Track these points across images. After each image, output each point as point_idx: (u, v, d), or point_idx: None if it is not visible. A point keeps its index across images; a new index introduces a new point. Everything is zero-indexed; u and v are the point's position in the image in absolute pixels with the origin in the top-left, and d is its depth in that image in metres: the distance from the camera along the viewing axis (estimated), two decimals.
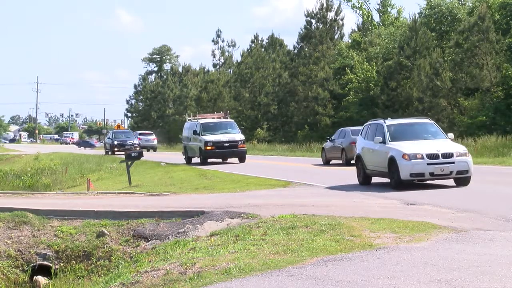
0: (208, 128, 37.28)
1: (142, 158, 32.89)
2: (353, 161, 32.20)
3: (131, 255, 14.47)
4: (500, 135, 37.44)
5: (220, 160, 37.44)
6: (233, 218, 14.18)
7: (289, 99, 66.63)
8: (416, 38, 51.23)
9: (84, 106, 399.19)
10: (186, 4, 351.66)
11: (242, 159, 36.71)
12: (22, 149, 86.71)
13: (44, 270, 15.59)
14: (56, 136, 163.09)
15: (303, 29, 68.75)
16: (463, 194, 17.41)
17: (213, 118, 41.04)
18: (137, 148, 54.18)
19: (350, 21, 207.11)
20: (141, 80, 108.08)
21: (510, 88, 45.30)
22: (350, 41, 68.42)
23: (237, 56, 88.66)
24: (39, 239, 16.05)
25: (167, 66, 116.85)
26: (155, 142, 65.76)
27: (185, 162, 38.78)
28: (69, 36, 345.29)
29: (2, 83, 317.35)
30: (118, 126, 78.48)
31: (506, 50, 46.26)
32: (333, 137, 34.39)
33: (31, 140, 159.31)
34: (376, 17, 72.30)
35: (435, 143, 19.42)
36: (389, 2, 71.05)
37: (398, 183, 18.81)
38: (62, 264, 15.46)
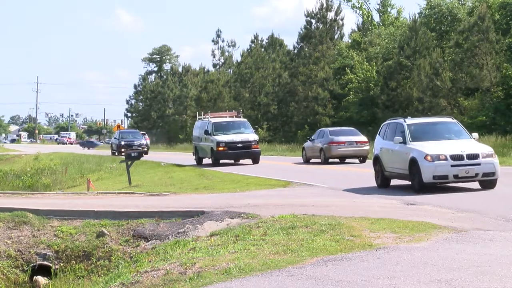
0: (220, 128, 35.64)
1: (142, 158, 32.90)
2: (331, 160, 34.28)
3: (131, 255, 14.47)
4: (500, 135, 37.48)
5: (232, 161, 35.72)
6: (233, 218, 14.17)
7: (289, 99, 66.64)
8: (416, 38, 51.25)
9: (84, 106, 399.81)
10: (186, 4, 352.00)
11: (256, 160, 35.05)
12: (22, 149, 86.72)
13: (44, 270, 15.59)
14: (56, 136, 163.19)
15: (303, 29, 68.78)
16: (463, 194, 17.41)
17: (225, 117, 38.96)
18: (145, 149, 52.94)
19: (350, 21, 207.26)
20: (141, 80, 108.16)
21: (510, 88, 45.33)
22: (350, 41, 68.45)
23: (237, 56, 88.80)
24: (39, 239, 16.05)
25: (167, 66, 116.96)
26: (148, 142, 64.98)
27: (195, 163, 37.25)
28: (69, 36, 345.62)
29: (2, 83, 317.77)
30: (118, 126, 78.36)
31: (506, 50, 46.28)
32: (313, 137, 36.21)
33: (31, 140, 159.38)
34: (376, 17, 72.41)
35: (459, 143, 18.42)
36: (389, 2, 71.06)
37: (420, 186, 17.80)
38: (62, 264, 15.45)
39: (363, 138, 34.39)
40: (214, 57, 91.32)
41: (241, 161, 36.05)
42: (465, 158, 17.60)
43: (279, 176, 25.61)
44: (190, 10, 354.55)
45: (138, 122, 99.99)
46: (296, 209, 14.42)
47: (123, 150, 50.12)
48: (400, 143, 18.96)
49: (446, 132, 19.43)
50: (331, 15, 68.80)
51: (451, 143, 18.46)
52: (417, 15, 54.92)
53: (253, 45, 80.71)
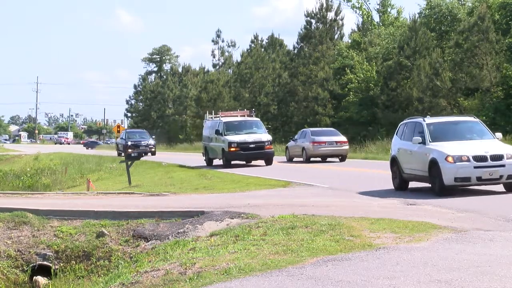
0: (232, 128, 34.29)
1: (142, 158, 32.89)
2: (313, 159, 35.46)
3: (131, 255, 14.46)
4: None
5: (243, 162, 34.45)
6: (233, 218, 14.17)
7: (289, 99, 66.64)
8: (416, 38, 51.24)
9: (84, 106, 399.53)
10: (186, 4, 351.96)
11: (269, 161, 33.76)
12: (22, 149, 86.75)
13: (44, 270, 15.58)
14: (56, 137, 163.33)
15: (303, 29, 68.79)
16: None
17: (236, 116, 37.41)
18: (153, 149, 51.85)
19: (350, 21, 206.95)
20: (141, 80, 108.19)
21: (510, 88, 45.32)
22: (350, 41, 68.41)
23: (237, 56, 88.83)
24: (39, 239, 16.05)
25: (167, 66, 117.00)
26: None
27: (205, 164, 36.05)
28: (69, 36, 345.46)
29: (2, 83, 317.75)
30: (118, 126, 78.29)
31: (506, 50, 46.27)
32: (295, 137, 37.88)
33: (31, 140, 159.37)
34: (376, 17, 72.36)
35: (482, 143, 17.45)
36: (389, 2, 71.02)
37: (440, 189, 16.89)
38: (62, 264, 15.45)
39: (343, 138, 36.18)
40: (214, 57, 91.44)
41: (253, 162, 34.93)
42: (489, 159, 16.72)
43: (279, 176, 25.62)
44: (190, 10, 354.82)
45: (138, 122, 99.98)
46: (296, 209, 14.42)
47: (130, 150, 48.34)
48: (419, 143, 18.06)
49: (468, 131, 18.50)
50: (331, 15, 68.88)
51: (474, 143, 17.53)
52: (417, 15, 54.95)
53: (253, 45, 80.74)
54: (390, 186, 19.77)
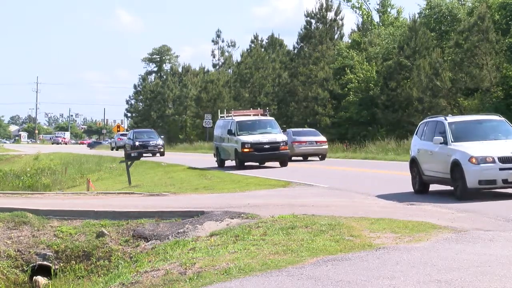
0: (245, 127, 32.73)
1: (142, 158, 32.87)
2: (294, 158, 35.88)
3: (131, 255, 14.46)
4: None
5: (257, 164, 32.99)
6: (233, 218, 14.17)
7: (289, 99, 66.62)
8: (416, 38, 51.25)
9: (84, 106, 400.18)
10: (186, 4, 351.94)
11: (284, 163, 32.31)
12: (21, 149, 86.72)
13: (44, 270, 15.58)
14: (53, 136, 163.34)
15: (303, 29, 68.78)
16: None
17: (249, 115, 35.52)
18: (162, 149, 50.83)
19: (350, 21, 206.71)
20: (141, 80, 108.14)
21: (510, 88, 45.32)
22: (349, 41, 68.39)
23: (237, 56, 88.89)
24: (39, 239, 16.04)
25: (167, 66, 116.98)
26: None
27: (217, 166, 34.46)
28: (69, 36, 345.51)
29: (2, 83, 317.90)
30: (118, 127, 78.39)
31: (506, 50, 46.27)
32: None
33: (31, 140, 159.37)
34: (376, 17, 72.36)
35: (508, 144, 16.40)
36: (389, 2, 71.02)
37: (463, 192, 15.93)
38: (62, 264, 15.45)
39: (322, 138, 38.01)
40: (214, 57, 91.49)
41: (266, 164, 33.48)
42: None
43: (279, 176, 25.62)
44: (190, 10, 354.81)
45: (138, 122, 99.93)
46: (296, 209, 14.42)
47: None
48: (440, 143, 17.00)
49: (493, 131, 17.45)
50: (331, 15, 68.85)
51: (499, 144, 16.48)
52: (417, 15, 54.95)
53: (253, 45, 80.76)
54: (391, 186, 19.80)
